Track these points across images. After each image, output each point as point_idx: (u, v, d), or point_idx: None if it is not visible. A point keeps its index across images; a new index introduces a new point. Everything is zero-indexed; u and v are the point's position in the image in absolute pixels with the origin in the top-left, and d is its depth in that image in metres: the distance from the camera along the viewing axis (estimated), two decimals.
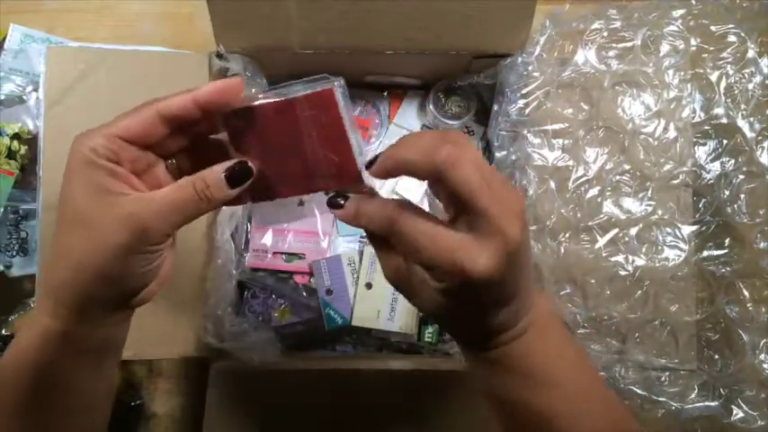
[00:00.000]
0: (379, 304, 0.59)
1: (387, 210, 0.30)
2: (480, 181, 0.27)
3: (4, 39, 0.62)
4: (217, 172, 0.32)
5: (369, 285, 0.60)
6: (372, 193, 0.33)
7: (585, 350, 0.55)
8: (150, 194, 0.31)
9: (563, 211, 0.57)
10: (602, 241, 0.56)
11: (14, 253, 0.60)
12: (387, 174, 0.31)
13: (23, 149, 0.59)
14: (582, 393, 0.32)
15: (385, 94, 0.66)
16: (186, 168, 0.35)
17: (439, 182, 0.28)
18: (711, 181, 0.57)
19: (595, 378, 0.33)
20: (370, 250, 0.60)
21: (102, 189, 0.30)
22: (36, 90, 0.61)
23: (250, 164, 0.32)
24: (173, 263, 0.34)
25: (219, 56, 0.54)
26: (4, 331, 0.59)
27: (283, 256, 0.61)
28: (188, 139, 0.34)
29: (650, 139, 0.57)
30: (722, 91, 0.57)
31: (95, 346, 0.33)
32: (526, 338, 0.31)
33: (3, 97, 0.61)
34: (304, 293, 0.61)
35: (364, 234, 0.63)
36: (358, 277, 0.60)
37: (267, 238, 0.61)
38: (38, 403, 0.32)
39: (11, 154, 0.58)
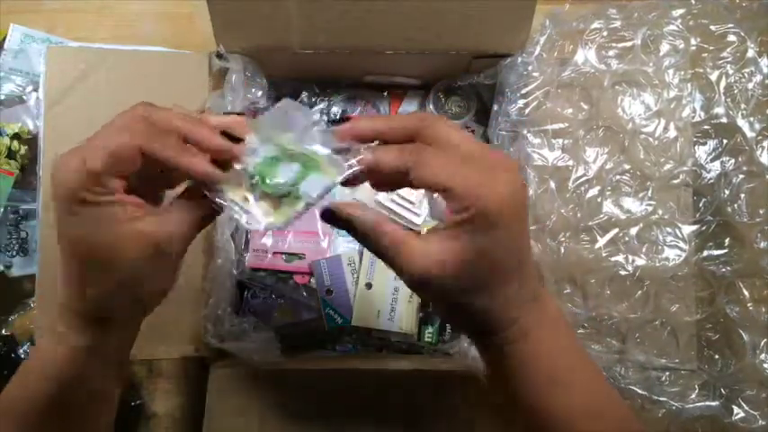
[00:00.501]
0: (379, 304, 0.59)
1: (406, 150, 0.31)
2: (452, 176, 0.29)
3: (4, 39, 0.62)
4: None
5: (369, 285, 0.60)
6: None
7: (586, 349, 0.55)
8: (162, 210, 0.32)
9: (563, 211, 0.57)
10: (602, 241, 0.56)
11: (14, 253, 0.60)
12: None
13: (23, 149, 0.59)
14: (587, 392, 0.32)
15: (385, 94, 0.66)
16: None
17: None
18: (711, 181, 0.57)
19: (600, 377, 0.34)
20: None
21: (110, 220, 0.29)
22: (36, 90, 0.61)
23: None
24: None
25: (219, 56, 0.54)
26: (4, 331, 0.59)
27: (283, 256, 0.61)
28: None
29: (650, 139, 0.57)
30: (722, 90, 0.57)
31: (116, 355, 0.34)
32: (533, 336, 0.31)
33: (3, 97, 0.61)
34: (304, 293, 0.61)
35: None
36: (358, 277, 0.60)
37: (267, 238, 0.61)
38: (65, 415, 0.33)
39: (11, 154, 0.58)
